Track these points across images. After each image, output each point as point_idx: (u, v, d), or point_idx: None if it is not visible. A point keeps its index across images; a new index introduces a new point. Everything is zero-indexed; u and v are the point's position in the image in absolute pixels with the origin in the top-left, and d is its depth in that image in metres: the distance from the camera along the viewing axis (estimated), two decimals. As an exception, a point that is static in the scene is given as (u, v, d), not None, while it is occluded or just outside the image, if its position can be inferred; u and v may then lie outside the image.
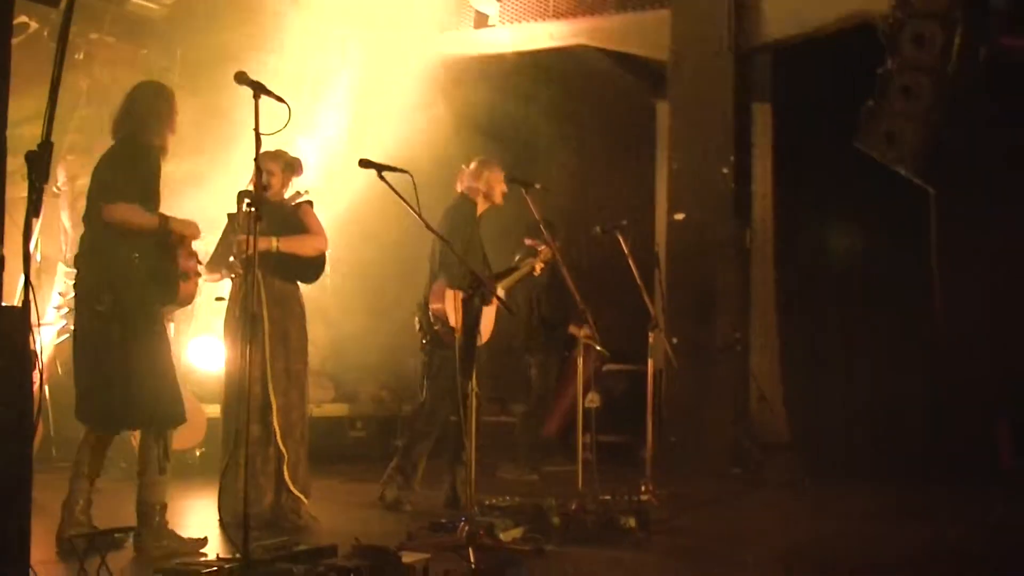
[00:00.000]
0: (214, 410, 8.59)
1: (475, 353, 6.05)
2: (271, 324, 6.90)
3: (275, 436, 6.92)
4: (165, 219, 5.95)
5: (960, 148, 8.98)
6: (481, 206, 7.90)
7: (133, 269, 5.85)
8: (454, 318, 7.43)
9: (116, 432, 6.30)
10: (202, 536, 6.02)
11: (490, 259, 8.16)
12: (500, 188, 7.96)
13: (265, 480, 6.90)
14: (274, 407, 6.91)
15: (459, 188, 7.98)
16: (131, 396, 5.86)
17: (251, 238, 5.15)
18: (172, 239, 5.98)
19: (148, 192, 5.92)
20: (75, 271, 6.07)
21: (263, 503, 6.85)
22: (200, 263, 6.24)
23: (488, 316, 7.51)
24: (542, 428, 10.28)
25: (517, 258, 8.96)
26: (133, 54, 10.25)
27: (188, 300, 6.23)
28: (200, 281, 6.28)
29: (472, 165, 7.98)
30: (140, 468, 6.05)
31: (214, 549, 5.91)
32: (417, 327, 7.72)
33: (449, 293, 7.44)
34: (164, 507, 6.00)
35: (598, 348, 8.28)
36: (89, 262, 5.94)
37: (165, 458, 6.03)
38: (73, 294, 6.27)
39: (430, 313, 7.57)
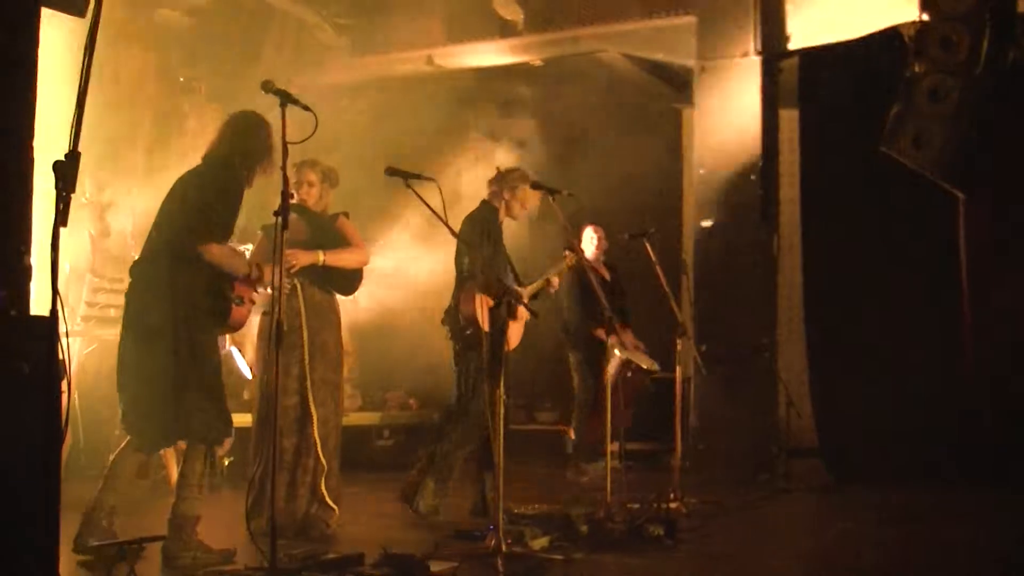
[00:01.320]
0: (243, 420, 8.61)
1: (503, 360, 6.03)
2: (309, 334, 6.93)
3: (315, 447, 6.94)
4: (256, 266, 6.09)
5: (988, 151, 8.91)
6: (503, 213, 7.88)
7: (189, 288, 5.86)
8: (486, 323, 7.43)
9: (158, 448, 6.34)
10: (231, 548, 6.00)
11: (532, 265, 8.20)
12: (524, 199, 7.93)
13: (303, 490, 6.92)
14: (314, 418, 6.93)
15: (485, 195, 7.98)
16: (178, 411, 5.86)
17: (278, 247, 5.13)
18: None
19: (231, 225, 5.98)
20: (129, 278, 6.05)
21: (298, 513, 6.88)
22: (257, 291, 6.24)
23: (518, 322, 7.51)
24: (586, 433, 10.23)
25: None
26: (160, 64, 10.28)
27: (239, 325, 6.22)
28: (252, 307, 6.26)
29: (496, 172, 7.98)
30: (180, 481, 6.05)
31: (242, 559, 5.90)
32: (448, 335, 7.69)
33: (479, 297, 7.43)
34: (197, 520, 6.00)
35: (643, 365, 8.41)
36: (148, 273, 5.93)
37: (211, 473, 6.08)
38: (122, 301, 6.20)
39: (460, 317, 7.55)
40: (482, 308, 7.43)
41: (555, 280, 8.14)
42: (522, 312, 7.12)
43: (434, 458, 7.70)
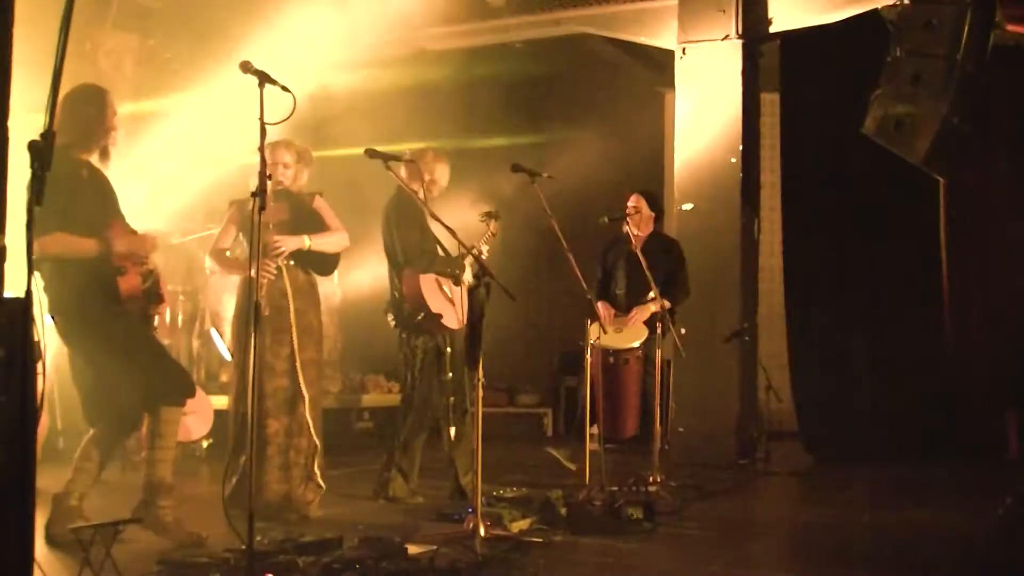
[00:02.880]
0: (221, 402, 8.58)
1: (481, 342, 6.00)
2: (297, 316, 6.90)
3: (308, 427, 6.94)
4: (105, 240, 5.80)
5: (970, 136, 8.91)
6: (422, 194, 7.68)
7: (66, 277, 5.77)
8: (434, 303, 7.42)
9: (128, 432, 6.31)
10: (203, 534, 5.97)
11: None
12: (440, 178, 7.83)
13: (296, 471, 6.90)
14: (307, 399, 6.92)
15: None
16: (132, 391, 5.90)
17: (256, 228, 5.07)
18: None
19: (70, 210, 5.70)
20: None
21: (292, 494, 6.86)
22: (144, 258, 6.03)
23: (463, 301, 7.45)
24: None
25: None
26: (138, 44, 10.21)
27: (133, 294, 5.94)
28: (145, 271, 6.01)
29: (408, 154, 7.81)
30: (157, 443, 6.01)
31: (220, 542, 5.88)
32: (392, 323, 7.64)
33: (423, 279, 7.42)
34: (172, 488, 6.00)
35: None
36: (42, 272, 5.80)
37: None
38: None
39: (406, 306, 7.52)
40: (428, 291, 7.42)
41: (484, 248, 7.95)
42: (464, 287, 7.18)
43: (394, 450, 7.69)
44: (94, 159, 6.06)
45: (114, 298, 5.85)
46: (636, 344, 8.36)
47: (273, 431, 6.78)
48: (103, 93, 6.12)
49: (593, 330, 8.46)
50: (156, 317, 6.37)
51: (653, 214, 9.12)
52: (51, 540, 5.72)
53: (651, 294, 8.35)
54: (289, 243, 6.84)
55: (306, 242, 6.91)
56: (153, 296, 6.05)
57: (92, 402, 6.03)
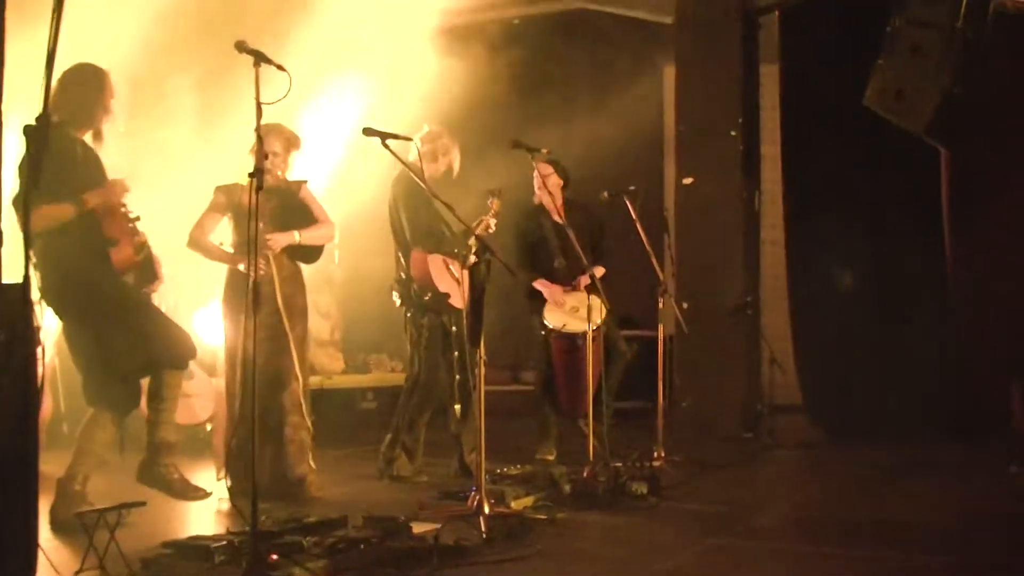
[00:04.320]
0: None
1: (483, 320, 5.99)
2: (284, 298, 6.89)
3: (301, 406, 6.97)
4: (80, 201, 5.77)
5: (971, 106, 8.87)
6: (429, 174, 7.63)
7: (54, 251, 5.73)
8: (442, 283, 7.42)
9: (130, 408, 6.27)
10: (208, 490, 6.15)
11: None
12: (452, 159, 7.82)
13: (292, 448, 6.89)
14: (301, 380, 6.95)
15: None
16: (132, 360, 5.92)
17: (253, 214, 5.02)
18: (96, 213, 5.85)
19: (59, 187, 5.63)
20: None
21: (291, 475, 6.86)
22: (134, 226, 6.03)
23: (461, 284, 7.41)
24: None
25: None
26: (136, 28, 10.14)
27: (126, 265, 5.99)
28: (138, 243, 6.03)
29: (426, 133, 7.77)
30: (159, 406, 6.12)
31: (222, 524, 5.89)
32: (398, 302, 7.63)
33: (431, 259, 7.41)
34: (173, 446, 6.16)
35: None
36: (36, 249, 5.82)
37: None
38: None
39: (414, 286, 7.51)
40: (436, 270, 7.41)
41: (491, 221, 7.91)
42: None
43: (399, 428, 7.69)
44: (87, 138, 6.04)
45: (107, 268, 5.87)
46: (597, 324, 8.18)
47: (265, 411, 6.76)
48: (103, 74, 6.08)
49: (551, 316, 8.42)
50: (152, 296, 6.36)
51: (562, 181, 8.85)
52: (56, 525, 5.72)
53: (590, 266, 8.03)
54: (279, 239, 6.84)
55: (296, 237, 6.90)
56: (148, 272, 6.08)
57: (91, 379, 6.00)
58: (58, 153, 5.66)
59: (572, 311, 8.40)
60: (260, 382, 6.56)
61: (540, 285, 8.65)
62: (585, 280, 8.34)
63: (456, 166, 7.84)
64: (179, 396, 6.21)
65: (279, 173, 6.96)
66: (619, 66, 12.86)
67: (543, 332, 8.48)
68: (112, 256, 5.87)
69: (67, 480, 5.89)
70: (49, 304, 5.80)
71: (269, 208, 6.78)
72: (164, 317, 6.27)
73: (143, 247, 6.02)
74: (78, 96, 5.94)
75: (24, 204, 3.82)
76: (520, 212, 8.68)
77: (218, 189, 7.03)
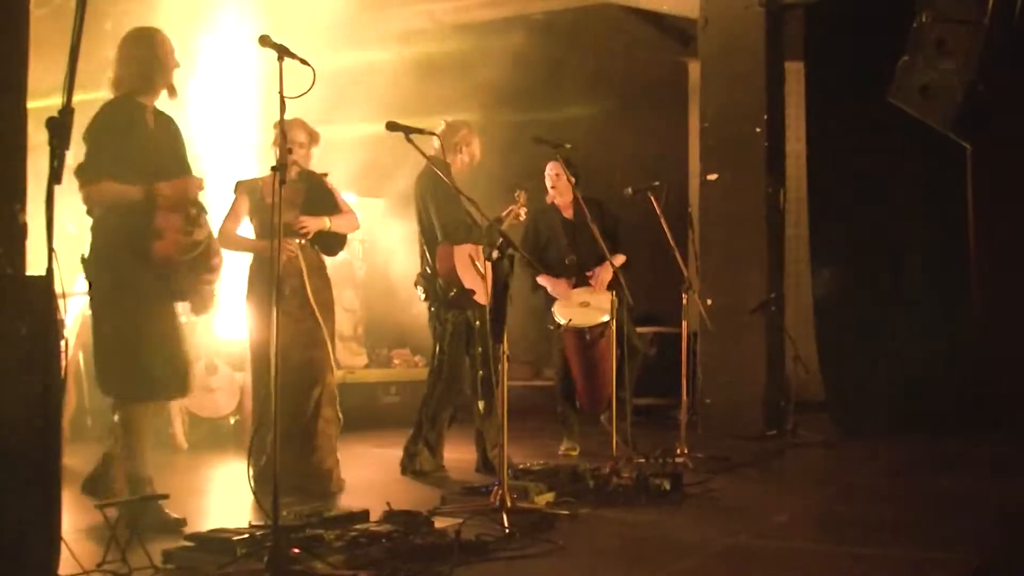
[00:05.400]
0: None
1: (506, 315, 5.98)
2: (313, 291, 6.90)
3: (335, 399, 7.00)
4: (151, 189, 5.57)
5: (996, 102, 8.83)
6: (455, 167, 7.64)
7: (102, 230, 5.64)
8: (467, 278, 7.41)
9: (179, 393, 6.00)
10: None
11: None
12: (474, 152, 7.83)
13: (322, 441, 6.90)
14: (333, 371, 7.00)
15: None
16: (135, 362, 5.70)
17: (277, 207, 5.01)
18: (157, 202, 5.62)
19: (120, 159, 5.57)
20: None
21: (322, 467, 6.87)
22: (196, 224, 5.77)
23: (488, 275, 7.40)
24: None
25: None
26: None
27: (164, 260, 5.65)
28: (188, 242, 5.72)
29: (446, 126, 7.75)
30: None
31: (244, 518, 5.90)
32: (423, 296, 7.60)
33: (458, 251, 7.41)
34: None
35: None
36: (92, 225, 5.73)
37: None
38: None
39: (440, 280, 7.50)
40: (462, 264, 7.40)
41: (521, 211, 7.92)
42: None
43: (422, 423, 7.70)
44: (162, 103, 5.87)
45: (145, 261, 5.60)
46: (606, 318, 8.16)
47: (300, 404, 6.77)
48: (154, 32, 5.87)
49: (560, 311, 8.43)
50: (209, 287, 5.92)
51: (574, 179, 8.80)
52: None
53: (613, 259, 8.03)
54: (312, 223, 6.84)
55: (327, 223, 6.91)
56: (202, 265, 5.78)
57: (103, 365, 5.77)
58: (123, 125, 5.63)
59: (582, 306, 8.43)
60: (295, 375, 6.60)
61: (544, 280, 8.71)
62: (602, 276, 8.42)
63: (478, 156, 7.84)
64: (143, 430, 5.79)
65: (302, 163, 7.00)
66: (643, 62, 12.83)
67: (552, 328, 8.52)
68: (154, 247, 5.60)
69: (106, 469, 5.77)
70: (86, 277, 5.66)
71: (299, 194, 6.81)
72: (165, 342, 5.76)
73: (195, 246, 5.73)
74: (135, 61, 5.76)
75: (48, 193, 3.80)
76: (530, 215, 8.68)
77: (239, 185, 7.04)
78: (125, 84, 5.74)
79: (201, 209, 5.83)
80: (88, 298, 5.78)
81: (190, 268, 5.73)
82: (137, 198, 5.56)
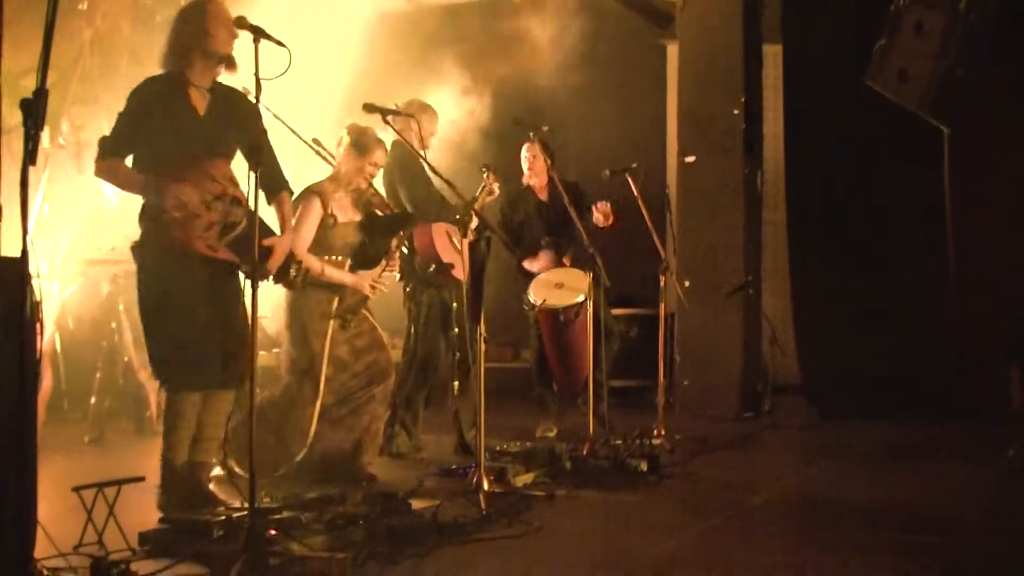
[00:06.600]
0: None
1: (483, 296, 5.98)
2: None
3: (387, 402, 7.10)
4: (155, 187, 5.31)
5: (973, 85, 8.85)
6: (418, 146, 7.50)
7: (149, 215, 5.43)
8: (446, 255, 7.40)
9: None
10: None
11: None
12: (432, 128, 7.87)
13: (369, 440, 6.85)
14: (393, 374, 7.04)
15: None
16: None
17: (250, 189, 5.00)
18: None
19: (136, 137, 5.42)
20: None
21: (365, 461, 6.79)
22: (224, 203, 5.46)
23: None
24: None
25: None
26: (132, 3, 10.10)
27: (183, 246, 5.34)
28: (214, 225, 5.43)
29: (399, 107, 7.67)
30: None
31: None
32: (397, 277, 7.49)
33: (435, 228, 7.40)
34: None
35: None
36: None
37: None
38: None
39: (417, 259, 7.48)
40: (440, 241, 7.40)
41: (495, 187, 7.91)
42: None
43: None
44: (219, 78, 5.65)
45: (166, 238, 5.36)
46: (581, 298, 8.16)
47: (365, 402, 6.74)
48: (201, 4, 5.56)
49: (535, 291, 8.42)
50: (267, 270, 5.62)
51: (549, 161, 8.77)
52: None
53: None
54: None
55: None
56: (244, 250, 5.35)
57: (151, 352, 5.58)
58: (154, 105, 5.44)
59: (557, 286, 8.42)
60: (360, 375, 6.58)
61: (529, 264, 8.75)
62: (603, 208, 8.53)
63: (437, 133, 7.86)
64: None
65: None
66: (621, 44, 12.80)
67: (527, 308, 8.51)
68: (173, 230, 5.34)
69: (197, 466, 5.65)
70: (135, 260, 5.50)
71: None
72: (196, 330, 5.46)
73: (234, 227, 5.43)
74: (180, 39, 5.55)
75: (22, 174, 3.78)
76: (505, 197, 8.66)
77: (310, 192, 6.65)
78: (168, 61, 5.57)
79: (234, 185, 5.52)
80: (137, 281, 5.56)
81: (236, 249, 5.45)
82: (137, 191, 5.46)
